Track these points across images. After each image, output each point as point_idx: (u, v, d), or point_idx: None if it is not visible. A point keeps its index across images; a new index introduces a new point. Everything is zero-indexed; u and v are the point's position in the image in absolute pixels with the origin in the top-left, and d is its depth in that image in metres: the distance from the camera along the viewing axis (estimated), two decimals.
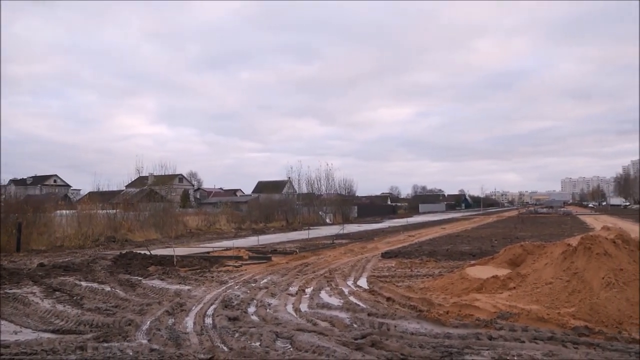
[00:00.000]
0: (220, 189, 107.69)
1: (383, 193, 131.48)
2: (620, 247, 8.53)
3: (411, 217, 65.60)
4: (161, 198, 36.15)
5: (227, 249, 19.55)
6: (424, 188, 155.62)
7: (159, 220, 30.95)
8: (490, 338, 6.34)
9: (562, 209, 78.99)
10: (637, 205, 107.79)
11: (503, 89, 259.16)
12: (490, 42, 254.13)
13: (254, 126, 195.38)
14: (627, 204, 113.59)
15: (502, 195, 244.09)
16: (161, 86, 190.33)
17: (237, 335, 6.86)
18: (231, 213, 43.37)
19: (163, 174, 41.45)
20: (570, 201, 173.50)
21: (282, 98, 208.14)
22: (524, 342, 6.17)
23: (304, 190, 58.66)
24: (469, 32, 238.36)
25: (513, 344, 6.08)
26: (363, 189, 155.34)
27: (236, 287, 11.06)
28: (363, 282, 11.72)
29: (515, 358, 5.47)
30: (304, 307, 8.90)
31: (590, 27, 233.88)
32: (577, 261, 8.41)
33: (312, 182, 57.84)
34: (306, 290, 10.64)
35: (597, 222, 36.81)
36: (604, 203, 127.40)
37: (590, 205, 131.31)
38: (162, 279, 12.42)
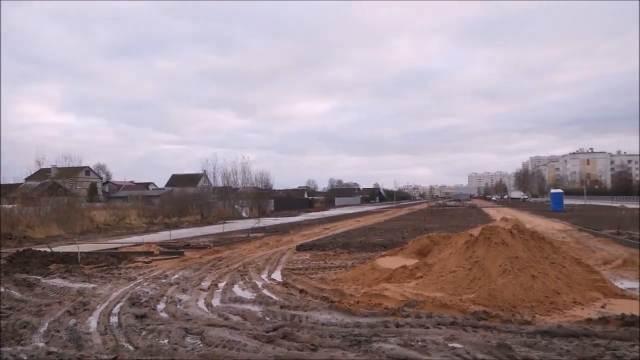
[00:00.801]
0: (132, 182, 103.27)
1: (300, 187, 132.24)
2: (516, 236, 9.16)
3: (327, 210, 66.55)
4: (65, 192, 34.13)
5: (137, 244, 18.83)
6: (340, 182, 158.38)
7: (62, 215, 29.17)
8: (398, 325, 6.58)
9: (468, 202, 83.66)
10: (535, 198, 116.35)
11: (417, 87, 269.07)
12: (406, 42, 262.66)
13: (169, 117, 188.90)
14: (526, 197, 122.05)
15: (414, 188, 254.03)
16: (68, 72, 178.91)
17: (144, 333, 6.63)
18: (143, 207, 41.82)
19: (67, 166, 39.13)
20: (476, 194, 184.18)
21: (199, 89, 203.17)
22: (428, 327, 6.46)
23: (220, 183, 57.84)
24: (386, 30, 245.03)
25: (418, 330, 6.35)
26: (280, 183, 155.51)
27: (145, 284, 10.69)
28: (277, 275, 11.75)
29: (420, 343, 5.71)
30: (216, 301, 8.78)
31: (497, 31, 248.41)
32: (478, 250, 8.94)
33: (228, 175, 57.22)
34: (219, 284, 10.50)
35: (498, 214, 39.24)
36: (505, 196, 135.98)
37: (493, 198, 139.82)
38: (64, 278, 11.74)
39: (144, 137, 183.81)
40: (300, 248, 17.23)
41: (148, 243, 18.59)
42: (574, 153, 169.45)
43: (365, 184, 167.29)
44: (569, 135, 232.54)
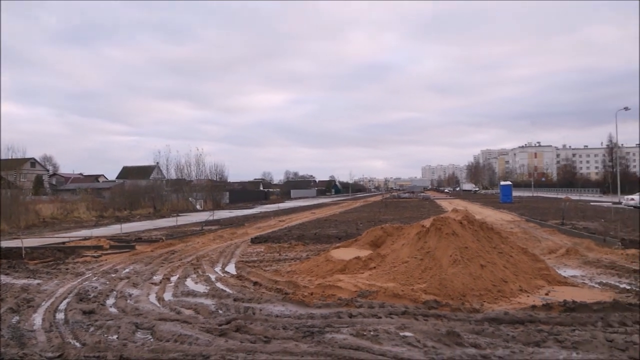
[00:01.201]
0: (80, 174, 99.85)
1: (256, 179, 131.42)
2: (466, 227, 9.41)
3: (283, 202, 66.44)
4: (8, 184, 32.64)
5: (86, 238, 18.25)
6: (296, 174, 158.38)
7: (5, 209, 27.91)
8: (350, 316, 6.65)
9: (422, 194, 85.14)
10: (486, 190, 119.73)
11: (373, 81, 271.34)
12: (362, 35, 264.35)
13: (120, 107, 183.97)
14: (477, 189, 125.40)
15: (369, 181, 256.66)
16: (11, 59, 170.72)
17: (92, 329, 6.45)
18: (92, 200, 40.55)
19: (10, 157, 37.48)
20: (430, 187, 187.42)
21: (153, 79, 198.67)
22: (380, 317, 6.56)
23: (173, 176, 56.63)
24: (343, 23, 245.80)
25: (371, 320, 6.44)
26: (235, 175, 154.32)
27: (94, 279, 10.39)
28: (231, 268, 11.66)
29: (372, 333, 5.79)
30: (168, 295, 8.63)
31: (451, 27, 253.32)
32: (429, 241, 9.13)
33: (182, 167, 56.03)
34: (171, 278, 10.32)
35: (450, 206, 40.16)
36: (457, 188, 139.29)
37: (446, 190, 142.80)
38: (7, 274, 11.26)
39: (93, 128, 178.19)
40: (255, 240, 17.13)
41: (97, 237, 18.05)
42: (522, 146, 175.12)
43: (322, 176, 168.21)
44: (518, 129, 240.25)
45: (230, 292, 8.75)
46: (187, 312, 7.33)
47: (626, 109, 48.27)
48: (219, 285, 9.48)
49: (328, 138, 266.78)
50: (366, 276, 8.94)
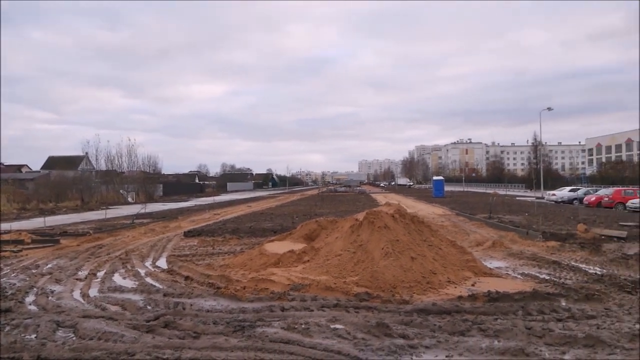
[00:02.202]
0: (1, 164, 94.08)
1: (191, 171, 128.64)
2: (398, 220, 9.62)
3: (219, 195, 65.52)
4: None
5: (5, 232, 17.21)
6: (232, 167, 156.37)
7: None
8: (283, 309, 6.65)
9: (358, 188, 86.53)
10: (420, 185, 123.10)
11: (312, 74, 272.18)
12: (302, 28, 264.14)
13: (46, 94, 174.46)
14: (411, 183, 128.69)
15: (307, 174, 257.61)
16: None
17: (7, 328, 6.08)
18: (13, 191, 38.28)
19: None
20: (366, 181, 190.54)
21: (82, 65, 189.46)
22: (312, 310, 6.59)
23: (104, 167, 54.43)
24: (284, 16, 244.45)
25: (303, 313, 6.45)
26: (170, 167, 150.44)
27: (12, 275, 9.83)
28: (162, 263, 11.37)
29: (303, 326, 5.80)
30: (93, 292, 8.29)
31: (389, 24, 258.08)
32: (362, 234, 9.26)
33: (112, 158, 53.91)
34: (98, 274, 9.93)
35: (384, 200, 41.03)
36: (392, 183, 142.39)
37: (381, 185, 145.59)
38: None
39: (16, 114, 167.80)
40: (188, 234, 16.82)
41: (18, 231, 17.06)
42: (454, 143, 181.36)
43: (259, 169, 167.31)
44: (451, 126, 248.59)
45: (160, 287, 8.53)
46: (114, 308, 7.06)
47: (549, 109, 50.95)
48: (148, 280, 9.21)
49: (266, 131, 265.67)
50: (300, 269, 8.96)
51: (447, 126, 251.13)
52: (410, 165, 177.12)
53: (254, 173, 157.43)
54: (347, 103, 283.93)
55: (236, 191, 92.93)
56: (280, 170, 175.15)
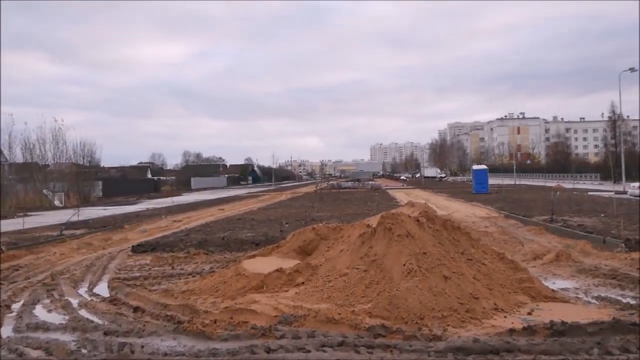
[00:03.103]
0: None
1: (141, 163, 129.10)
2: (425, 226, 9.62)
3: (180, 195, 65.60)
4: None
5: None
6: (198, 156, 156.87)
7: None
8: (268, 350, 6.64)
9: (371, 183, 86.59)
10: (454, 177, 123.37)
11: (304, 27, 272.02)
12: None
13: None
14: (443, 175, 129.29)
15: (299, 165, 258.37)
16: None
17: None
18: None
19: None
20: (381, 173, 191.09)
21: None
22: (309, 351, 6.59)
23: (20, 158, 54.47)
24: None
25: (296, 355, 6.45)
26: (112, 158, 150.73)
27: None
28: (102, 289, 11.41)
29: None
30: (6, 331, 8.30)
31: None
32: (376, 246, 9.26)
33: (32, 146, 53.89)
34: (12, 306, 9.95)
35: (407, 198, 41.09)
36: (417, 175, 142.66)
37: (402, 177, 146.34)
38: None
39: None
40: (139, 249, 16.87)
41: None
42: (502, 119, 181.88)
43: (235, 158, 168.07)
44: (496, 96, 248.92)
45: (100, 322, 8.54)
46: (35, 353, 7.07)
47: (632, 70, 50.79)
48: (83, 313, 9.22)
49: (244, 107, 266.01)
50: (291, 295, 8.96)
51: (491, 96, 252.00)
52: (440, 151, 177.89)
53: (228, 164, 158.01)
54: (353, 67, 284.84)
55: (204, 189, 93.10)
56: (263, 159, 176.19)
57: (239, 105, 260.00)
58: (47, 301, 10.27)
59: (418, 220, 9.67)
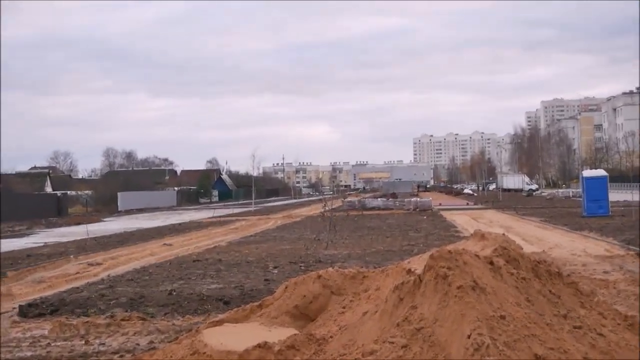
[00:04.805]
0: None
1: (36, 168, 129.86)
2: (503, 273, 9.60)
3: (100, 221, 65.90)
4: None
5: None
6: (130, 156, 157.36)
7: None
8: None
9: (415, 199, 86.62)
10: (552, 190, 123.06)
11: None
12: None
13: None
14: (534, 187, 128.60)
15: (297, 171, 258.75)
16: None
17: None
18: None
19: None
20: (431, 183, 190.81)
21: None
22: None
23: None
24: None
25: None
26: None
27: None
28: None
29: None
30: None
31: None
32: (422, 305, 9.25)
33: None
34: None
35: (474, 225, 41.10)
36: (491, 186, 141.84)
37: (467, 190, 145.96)
38: None
39: None
40: (31, 311, 16.87)
41: None
42: (629, 93, 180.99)
43: (190, 161, 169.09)
44: (620, 58, 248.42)
45: None
46: None
47: None
48: None
49: (205, 76, 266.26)
50: None
51: (612, 56, 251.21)
52: (529, 147, 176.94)
53: (179, 170, 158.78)
54: (388, 9, 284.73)
55: (139, 210, 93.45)
56: (237, 162, 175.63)
57: (196, 74, 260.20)
58: None
59: (492, 263, 9.67)
